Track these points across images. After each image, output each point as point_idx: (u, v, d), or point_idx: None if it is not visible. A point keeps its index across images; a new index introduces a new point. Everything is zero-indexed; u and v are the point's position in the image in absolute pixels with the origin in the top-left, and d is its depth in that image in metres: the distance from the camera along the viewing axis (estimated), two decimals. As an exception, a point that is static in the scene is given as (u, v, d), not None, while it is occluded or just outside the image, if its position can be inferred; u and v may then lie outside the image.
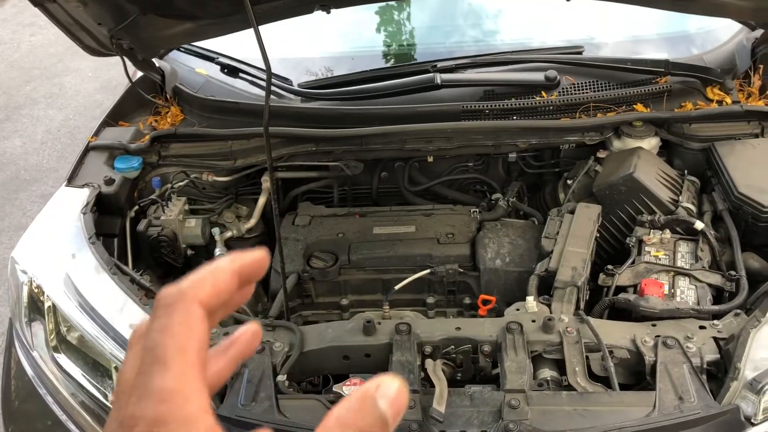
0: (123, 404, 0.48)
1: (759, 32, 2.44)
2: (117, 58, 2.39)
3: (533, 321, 1.79)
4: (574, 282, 1.89)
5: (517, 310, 1.87)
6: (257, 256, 0.58)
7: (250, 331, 0.59)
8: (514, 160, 2.59)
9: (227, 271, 0.54)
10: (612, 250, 2.23)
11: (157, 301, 0.51)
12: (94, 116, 5.34)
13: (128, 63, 2.45)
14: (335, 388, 1.67)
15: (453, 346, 1.76)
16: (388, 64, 2.65)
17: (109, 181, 2.29)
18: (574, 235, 2.02)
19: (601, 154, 2.38)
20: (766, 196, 2.02)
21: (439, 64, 2.46)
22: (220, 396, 1.70)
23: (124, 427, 0.46)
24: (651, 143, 2.33)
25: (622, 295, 1.88)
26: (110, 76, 5.89)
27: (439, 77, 2.37)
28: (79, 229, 2.10)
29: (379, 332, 1.79)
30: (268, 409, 1.62)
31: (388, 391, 0.49)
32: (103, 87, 5.92)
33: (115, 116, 2.62)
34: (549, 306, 1.88)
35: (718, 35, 2.63)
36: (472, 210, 2.39)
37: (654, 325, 1.78)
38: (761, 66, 2.45)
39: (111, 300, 1.88)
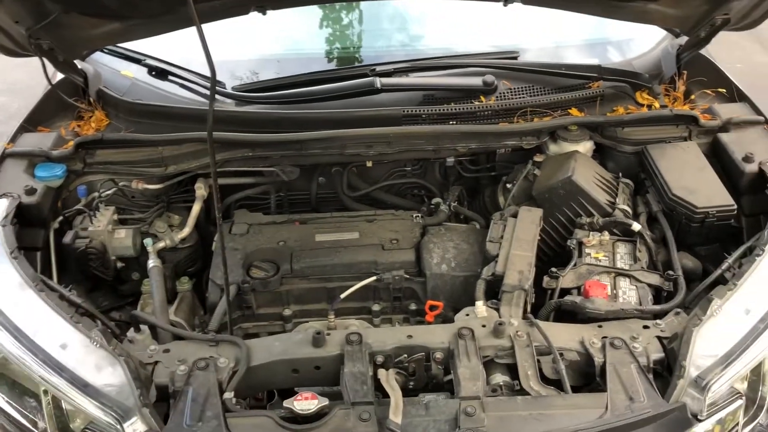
0: None
1: (683, 39, 2.53)
2: (23, 59, 2.23)
3: (483, 326, 1.79)
4: (521, 286, 1.90)
5: (467, 315, 1.86)
6: None
7: None
8: (451, 165, 2.60)
9: None
10: (551, 252, 2.26)
11: None
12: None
13: (47, 64, 2.30)
14: (286, 403, 1.61)
15: (406, 355, 1.73)
16: (325, 68, 2.59)
17: (30, 191, 2.14)
18: (519, 239, 2.03)
19: (538, 158, 2.41)
20: (699, 197, 2.10)
21: (378, 68, 2.43)
22: (163, 416, 1.61)
23: None
24: (585, 147, 2.38)
25: (568, 298, 1.90)
26: (16, 78, 5.53)
27: (379, 81, 2.34)
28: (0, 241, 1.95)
29: (329, 343, 1.74)
30: (215, 428, 1.54)
31: None
32: (8, 89, 5.57)
33: (34, 121, 2.46)
34: (497, 310, 1.89)
35: (643, 42, 2.72)
36: (414, 215, 2.37)
37: (600, 326, 1.81)
38: (685, 72, 2.55)
39: (38, 319, 1.75)
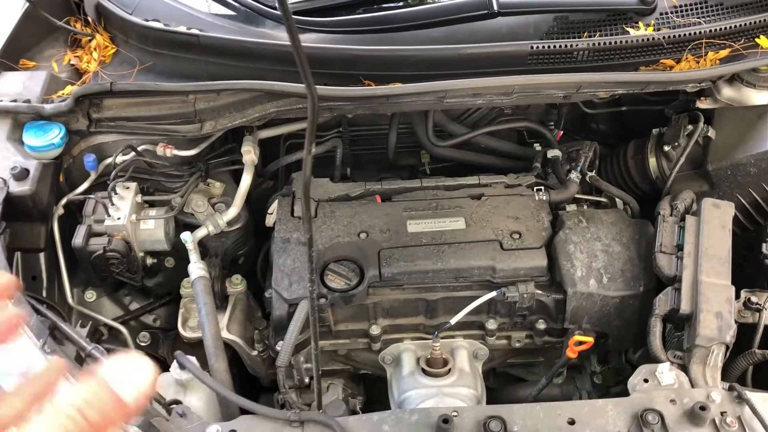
0: None
1: None
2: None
3: (672, 401, 1.27)
4: (721, 338, 1.36)
5: (646, 381, 1.34)
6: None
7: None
8: None
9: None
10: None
11: None
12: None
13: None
14: None
15: (570, 455, 1.23)
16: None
17: (21, 174, 1.55)
18: (708, 255, 1.45)
19: (704, 104, 1.77)
20: None
21: (491, -22, 1.71)
22: None
23: None
24: (775, 93, 1.73)
25: (784, 353, 1.37)
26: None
27: (496, 0, 1.64)
28: (-16, 264, 1.40)
29: (458, 430, 1.25)
30: None
31: None
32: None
33: (13, 52, 1.80)
34: (685, 369, 1.36)
35: None
36: (536, 188, 1.77)
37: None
38: None
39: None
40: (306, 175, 0.90)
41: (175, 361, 1.48)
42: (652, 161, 1.82)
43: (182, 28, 1.75)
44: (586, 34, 1.69)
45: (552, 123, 2.12)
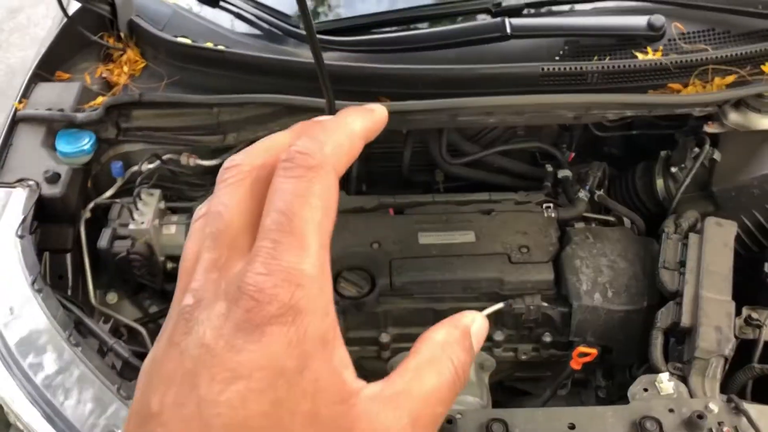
0: (229, 271, 0.36)
1: None
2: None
3: (671, 410, 1.31)
4: (720, 350, 1.40)
5: (645, 390, 1.37)
6: (379, 118, 0.46)
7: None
8: None
9: (359, 138, 0.44)
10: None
11: (292, 159, 0.38)
12: None
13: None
14: None
15: (569, 459, 1.27)
16: (428, 2, 1.94)
17: (53, 178, 1.63)
18: (710, 272, 1.50)
19: (711, 128, 1.82)
20: None
21: (504, 2, 1.79)
22: None
23: (246, 298, 0.34)
24: (779, 118, 1.78)
25: (784, 369, 1.40)
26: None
27: (509, 23, 1.71)
28: (17, 261, 1.48)
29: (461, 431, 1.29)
30: None
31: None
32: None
33: (49, 65, 1.90)
34: (684, 381, 1.40)
35: None
36: (545, 205, 1.83)
37: (830, 414, 1.32)
38: None
39: (73, 388, 1.31)
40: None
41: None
42: (659, 182, 1.87)
43: (209, 45, 1.84)
44: (596, 57, 1.76)
45: (564, 145, 2.17)
